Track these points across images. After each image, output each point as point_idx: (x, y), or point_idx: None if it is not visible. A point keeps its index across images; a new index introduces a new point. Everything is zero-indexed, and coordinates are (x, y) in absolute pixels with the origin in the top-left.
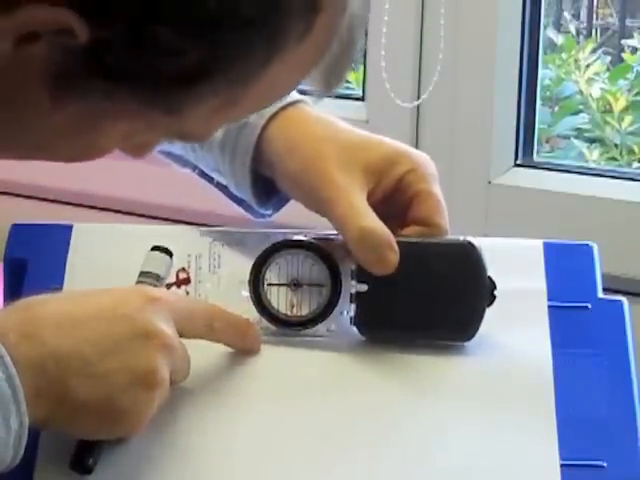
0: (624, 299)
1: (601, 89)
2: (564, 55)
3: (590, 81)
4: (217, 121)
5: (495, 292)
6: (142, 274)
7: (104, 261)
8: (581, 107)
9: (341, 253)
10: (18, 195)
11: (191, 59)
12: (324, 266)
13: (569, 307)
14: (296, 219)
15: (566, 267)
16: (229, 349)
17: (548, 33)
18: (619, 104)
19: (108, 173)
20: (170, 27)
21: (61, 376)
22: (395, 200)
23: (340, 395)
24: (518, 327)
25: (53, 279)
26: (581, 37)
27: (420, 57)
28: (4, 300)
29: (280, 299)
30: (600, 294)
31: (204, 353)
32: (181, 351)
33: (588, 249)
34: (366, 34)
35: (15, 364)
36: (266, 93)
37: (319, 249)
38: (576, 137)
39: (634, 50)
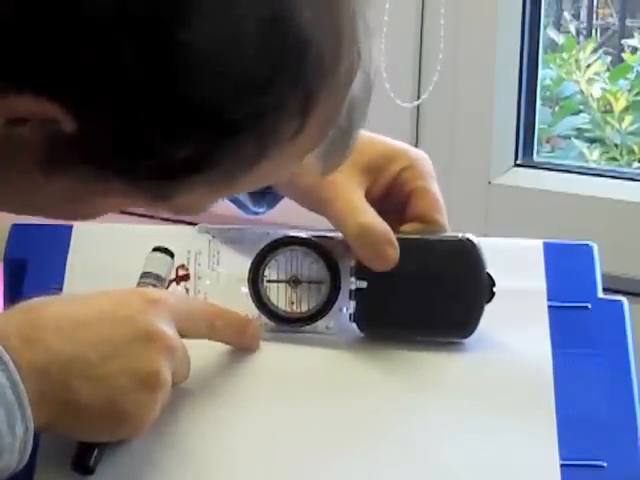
0: (624, 299)
1: (601, 89)
2: (564, 55)
3: (590, 81)
4: (211, 200)
5: (494, 289)
6: (143, 275)
7: (104, 261)
8: (581, 107)
9: (340, 250)
10: None
11: (179, 156)
12: (323, 263)
13: (569, 307)
14: (294, 219)
15: (566, 267)
16: (227, 347)
17: (549, 33)
18: (619, 104)
19: None
20: (157, 128)
21: (64, 380)
22: (393, 197)
23: (339, 392)
24: (518, 327)
25: (53, 279)
26: (581, 37)
27: (420, 57)
28: (4, 300)
29: (279, 296)
30: (600, 294)
31: (202, 352)
32: (182, 352)
33: (588, 249)
34: None
35: (19, 369)
36: (261, 179)
37: (318, 246)
38: (576, 137)
39: (634, 50)
